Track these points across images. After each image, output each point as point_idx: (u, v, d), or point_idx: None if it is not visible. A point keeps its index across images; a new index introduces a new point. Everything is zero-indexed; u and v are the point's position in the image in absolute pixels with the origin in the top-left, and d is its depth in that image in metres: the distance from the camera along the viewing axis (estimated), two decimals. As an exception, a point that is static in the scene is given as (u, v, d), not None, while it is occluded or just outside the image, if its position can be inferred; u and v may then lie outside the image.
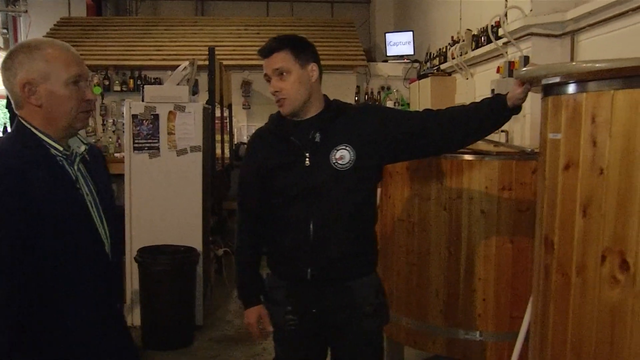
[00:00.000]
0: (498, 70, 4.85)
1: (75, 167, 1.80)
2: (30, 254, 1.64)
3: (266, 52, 2.18)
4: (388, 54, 8.89)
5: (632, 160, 1.37)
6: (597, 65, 1.40)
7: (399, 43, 8.74)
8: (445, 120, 2.21)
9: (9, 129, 5.88)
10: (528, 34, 4.47)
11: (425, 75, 7.23)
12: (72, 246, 1.74)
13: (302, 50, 2.19)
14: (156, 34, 9.26)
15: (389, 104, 6.04)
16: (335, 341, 2.38)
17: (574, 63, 1.77)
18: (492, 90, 4.44)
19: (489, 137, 3.65)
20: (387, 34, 9.01)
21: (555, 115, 1.64)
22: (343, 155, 2.17)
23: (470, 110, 2.20)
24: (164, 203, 4.64)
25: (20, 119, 1.74)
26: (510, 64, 4.63)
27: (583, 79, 1.50)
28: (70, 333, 1.75)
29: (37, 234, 1.65)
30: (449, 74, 6.90)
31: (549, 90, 1.70)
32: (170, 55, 8.50)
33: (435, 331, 3.34)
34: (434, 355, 3.98)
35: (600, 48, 3.98)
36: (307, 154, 2.19)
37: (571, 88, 1.56)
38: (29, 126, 1.73)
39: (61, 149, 1.76)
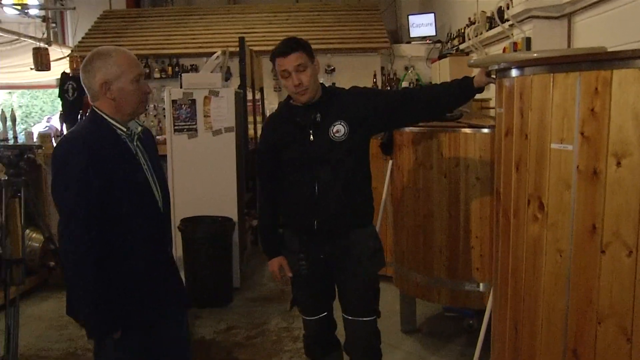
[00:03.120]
0: (504, 51, 5.24)
1: (135, 144, 2.34)
2: (105, 209, 2.18)
3: (287, 51, 2.62)
4: (411, 36, 9.24)
5: (543, 127, 1.82)
6: (519, 56, 1.85)
7: (422, 25, 9.10)
8: (423, 96, 2.74)
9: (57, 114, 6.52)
10: (530, 17, 4.84)
11: (445, 56, 7.59)
12: (135, 202, 2.28)
13: (309, 49, 2.68)
14: (191, 23, 9.80)
15: (405, 84, 6.46)
16: (339, 281, 2.88)
17: (507, 54, 2.22)
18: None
19: (485, 113, 4.10)
20: (410, 16, 9.36)
21: (500, 93, 2.11)
22: (339, 130, 2.67)
23: (444, 88, 2.70)
24: (202, 178, 5.20)
25: (94, 108, 2.27)
26: (514, 44, 5.01)
27: (514, 67, 1.96)
28: (134, 268, 2.29)
29: (110, 193, 2.19)
30: (467, 53, 7.24)
31: (498, 75, 2.16)
32: (204, 43, 9.04)
33: (440, 284, 3.81)
34: (438, 312, 4.48)
35: (593, 28, 4.35)
36: (310, 131, 2.69)
37: (508, 73, 2.02)
38: (101, 113, 2.26)
39: (125, 129, 2.30)
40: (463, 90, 2.58)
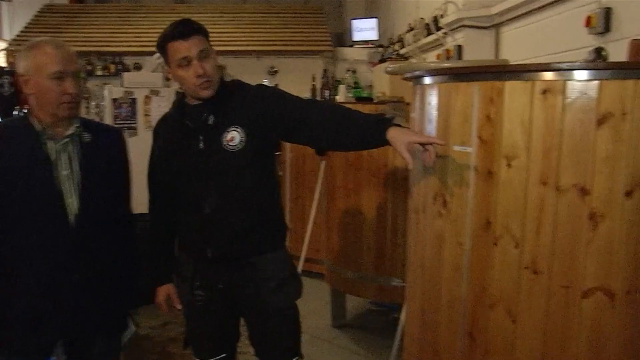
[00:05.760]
0: (437, 58, 5.47)
1: (59, 146, 2.10)
2: None
3: (188, 32, 2.15)
4: (354, 39, 9.46)
5: (448, 131, 2.00)
6: (430, 65, 2.01)
7: (365, 29, 9.33)
8: (323, 118, 2.18)
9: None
10: (461, 26, 5.08)
11: (385, 60, 7.81)
12: (29, 211, 2.04)
13: (208, 36, 2.23)
14: (136, 21, 9.75)
15: (341, 88, 6.61)
16: (247, 316, 2.45)
17: (419, 63, 2.39)
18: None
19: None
20: (352, 20, 9.58)
21: (414, 100, 2.28)
22: (233, 137, 2.19)
23: (352, 120, 2.13)
24: (140, 176, 5.21)
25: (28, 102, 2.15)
26: (447, 52, 5.24)
27: (425, 75, 2.13)
28: (21, 287, 2.06)
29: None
30: (406, 58, 7.48)
31: (412, 82, 2.33)
32: (149, 41, 8.96)
33: (368, 280, 3.98)
34: (367, 307, 4.66)
35: (518, 39, 4.61)
36: (200, 137, 2.23)
37: (420, 80, 2.18)
38: (28, 109, 2.14)
39: (40, 129, 2.08)
40: (372, 135, 2.06)
